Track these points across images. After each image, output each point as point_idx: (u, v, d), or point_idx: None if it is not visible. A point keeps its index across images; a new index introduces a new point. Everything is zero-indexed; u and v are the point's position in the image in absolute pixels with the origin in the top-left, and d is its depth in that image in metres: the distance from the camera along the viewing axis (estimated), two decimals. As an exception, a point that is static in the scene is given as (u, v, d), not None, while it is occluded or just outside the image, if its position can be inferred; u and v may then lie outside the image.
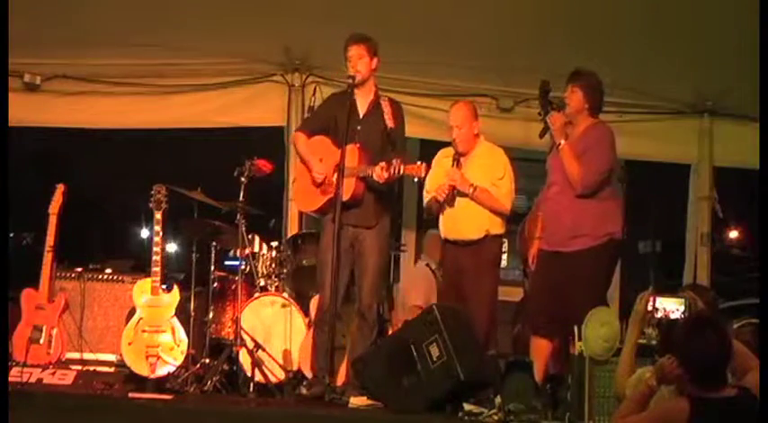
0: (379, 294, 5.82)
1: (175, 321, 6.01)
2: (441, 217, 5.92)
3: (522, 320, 6.76)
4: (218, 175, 6.49)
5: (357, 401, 5.25)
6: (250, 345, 6.00)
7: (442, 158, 6.00)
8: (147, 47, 6.88)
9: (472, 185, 5.76)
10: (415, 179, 5.51)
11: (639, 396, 3.90)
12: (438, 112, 7.09)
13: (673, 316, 4.51)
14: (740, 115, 7.45)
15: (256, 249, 6.59)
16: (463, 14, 6.37)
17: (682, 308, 4.53)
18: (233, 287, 6.50)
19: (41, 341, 6.07)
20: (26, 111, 7.00)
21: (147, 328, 5.95)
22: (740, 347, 3.96)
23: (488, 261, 5.82)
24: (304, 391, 5.61)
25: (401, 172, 5.39)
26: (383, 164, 5.41)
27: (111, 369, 6.17)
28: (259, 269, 6.56)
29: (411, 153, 6.24)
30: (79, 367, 6.06)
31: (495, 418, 4.96)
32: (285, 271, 6.61)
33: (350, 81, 5.63)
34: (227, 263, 7.41)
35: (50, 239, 6.25)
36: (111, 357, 6.24)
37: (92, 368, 6.11)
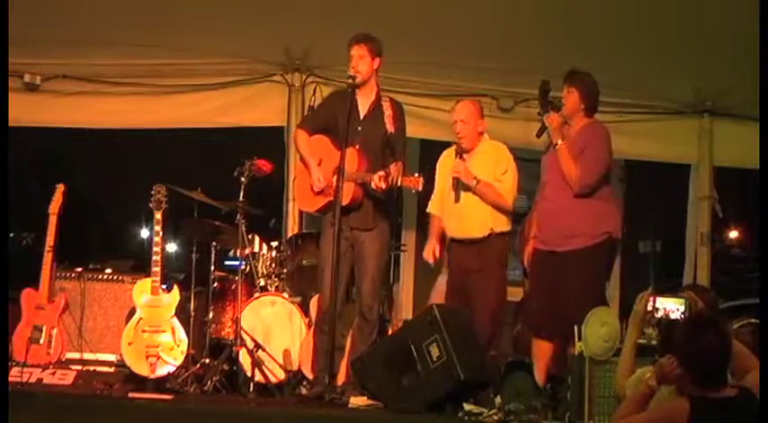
0: (379, 295, 5.80)
1: (175, 321, 6.02)
2: (445, 216, 5.91)
3: (522, 321, 6.74)
4: (218, 174, 6.49)
5: (357, 401, 5.23)
6: (250, 345, 6.00)
7: (446, 158, 5.99)
8: (147, 47, 6.88)
9: (476, 178, 5.74)
10: (413, 191, 5.47)
11: (639, 396, 3.89)
12: (438, 112, 7.09)
13: (673, 316, 4.49)
14: (740, 115, 7.45)
15: (256, 249, 6.59)
16: (463, 14, 6.38)
17: (682, 308, 4.51)
18: (233, 287, 6.49)
19: (41, 341, 6.07)
20: (26, 111, 6.98)
21: (148, 328, 5.96)
22: (740, 347, 3.96)
23: (494, 261, 5.78)
24: (304, 391, 5.61)
25: (398, 184, 5.36)
26: (381, 173, 5.38)
27: (111, 369, 6.17)
28: (259, 269, 6.55)
29: (411, 153, 6.22)
30: (79, 367, 6.06)
31: (495, 418, 4.94)
32: (285, 271, 6.61)
33: (350, 81, 5.60)
34: (227, 263, 7.42)
35: (50, 239, 6.24)
36: (111, 357, 6.24)
37: (92, 368, 6.11)
